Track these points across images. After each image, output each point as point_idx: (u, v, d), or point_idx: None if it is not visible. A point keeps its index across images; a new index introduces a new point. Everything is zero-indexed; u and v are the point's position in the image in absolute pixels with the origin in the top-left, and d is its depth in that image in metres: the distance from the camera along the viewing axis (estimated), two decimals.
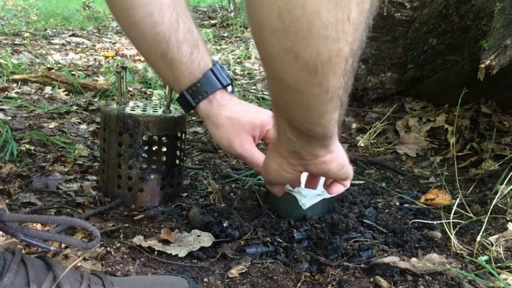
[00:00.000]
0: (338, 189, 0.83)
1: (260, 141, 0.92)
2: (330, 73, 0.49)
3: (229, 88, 0.88)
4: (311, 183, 0.90)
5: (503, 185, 1.04)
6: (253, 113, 0.87)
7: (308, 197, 0.94)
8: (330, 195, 0.95)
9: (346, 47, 0.47)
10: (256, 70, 3.09)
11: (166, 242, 0.86)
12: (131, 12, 0.80)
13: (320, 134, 0.63)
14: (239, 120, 0.84)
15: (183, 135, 1.05)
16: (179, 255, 0.82)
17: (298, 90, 0.53)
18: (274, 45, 0.48)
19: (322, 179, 1.02)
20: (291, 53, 0.47)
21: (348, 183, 0.83)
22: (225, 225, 0.90)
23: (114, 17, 0.86)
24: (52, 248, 0.55)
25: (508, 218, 0.98)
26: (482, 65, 1.08)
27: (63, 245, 0.80)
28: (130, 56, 3.23)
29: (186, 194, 1.10)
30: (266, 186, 0.91)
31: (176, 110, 1.04)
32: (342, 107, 0.58)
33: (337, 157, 0.72)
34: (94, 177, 1.15)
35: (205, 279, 0.76)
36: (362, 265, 0.82)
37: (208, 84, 0.84)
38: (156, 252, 0.83)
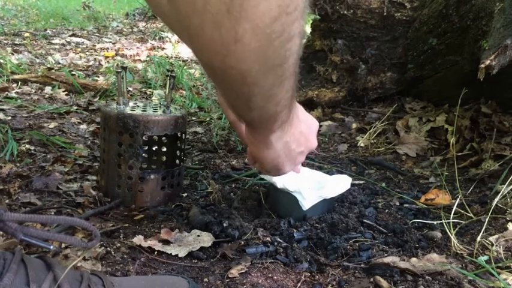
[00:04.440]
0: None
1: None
2: (227, 78, 0.50)
3: None
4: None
5: (504, 185, 1.04)
6: None
7: (308, 198, 0.94)
8: (330, 196, 0.96)
9: (242, 64, 0.47)
10: None
11: (166, 242, 0.86)
12: None
13: (235, 113, 0.65)
14: None
15: (183, 135, 1.05)
16: (179, 255, 0.82)
17: (207, 74, 0.55)
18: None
19: (324, 178, 1.03)
20: (185, 37, 0.49)
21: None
22: (225, 225, 0.90)
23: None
24: (52, 247, 0.55)
25: (508, 218, 0.98)
26: (482, 65, 1.08)
27: (63, 245, 0.80)
28: (130, 56, 3.23)
29: (186, 194, 1.10)
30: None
31: (176, 110, 1.04)
32: (254, 111, 0.57)
33: (258, 153, 0.72)
34: (94, 177, 1.15)
35: (205, 279, 0.76)
36: (362, 265, 0.82)
37: None
38: (156, 252, 0.83)
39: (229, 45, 0.44)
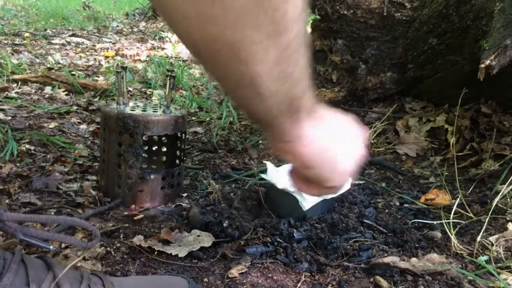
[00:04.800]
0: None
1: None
2: (213, 57, 0.41)
3: None
4: None
5: (504, 186, 1.04)
6: None
7: (308, 198, 0.94)
8: (330, 196, 0.96)
9: (227, 32, 0.38)
10: None
11: (166, 242, 0.86)
12: None
13: (251, 116, 0.52)
14: None
15: (183, 135, 1.05)
16: (179, 255, 0.82)
17: (206, 68, 0.45)
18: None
19: None
20: (172, 25, 0.40)
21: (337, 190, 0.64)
22: (225, 225, 0.90)
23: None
24: (52, 247, 0.55)
25: (508, 218, 0.98)
26: (482, 65, 1.08)
27: (63, 245, 0.80)
28: (130, 56, 3.23)
29: (186, 194, 1.10)
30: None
31: (176, 110, 1.04)
32: (267, 98, 0.46)
33: (292, 150, 0.54)
34: (94, 177, 1.15)
35: (205, 279, 0.76)
36: (362, 265, 0.82)
37: None
38: (156, 252, 0.83)
39: (205, 7, 0.35)
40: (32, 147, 1.31)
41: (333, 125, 0.55)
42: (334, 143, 0.55)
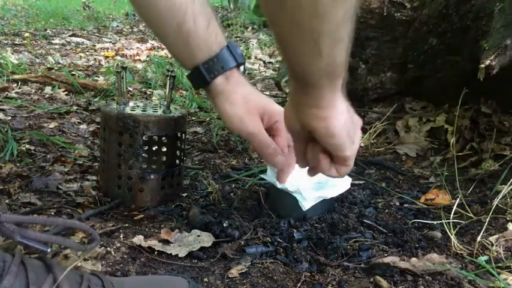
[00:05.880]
0: (326, 168, 0.72)
1: None
2: (296, 8, 0.48)
3: (241, 68, 0.85)
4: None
5: (505, 186, 1.04)
6: (265, 99, 0.85)
7: (308, 198, 0.94)
8: (330, 196, 0.96)
9: None
10: (256, 70, 3.10)
11: (166, 242, 0.86)
12: None
13: (300, 74, 0.60)
14: (254, 100, 0.81)
15: (183, 135, 1.05)
16: (179, 255, 0.82)
17: (272, 22, 0.53)
18: None
19: (324, 178, 1.02)
20: None
21: (343, 170, 0.71)
22: (225, 225, 0.91)
23: None
24: (49, 250, 0.55)
25: (508, 218, 0.98)
26: (482, 65, 1.08)
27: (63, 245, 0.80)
28: (130, 56, 3.24)
29: (186, 194, 1.10)
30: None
31: (176, 110, 1.04)
32: (322, 58, 0.54)
33: (325, 117, 0.63)
34: (94, 177, 1.15)
35: (205, 279, 0.76)
36: (362, 265, 0.82)
37: (225, 60, 0.80)
38: (156, 252, 0.83)
39: None
40: (32, 147, 1.31)
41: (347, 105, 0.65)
42: (350, 118, 0.65)
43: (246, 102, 0.80)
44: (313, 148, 0.72)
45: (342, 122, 0.64)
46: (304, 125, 0.67)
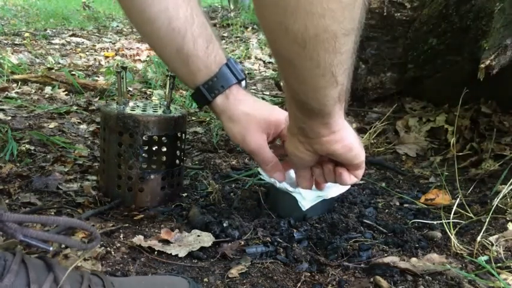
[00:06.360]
0: (348, 179, 0.79)
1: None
2: (319, 48, 0.51)
3: (243, 83, 0.88)
4: (318, 186, 0.91)
5: (505, 186, 1.04)
6: (268, 111, 0.87)
7: (308, 198, 0.94)
8: (330, 196, 0.96)
9: (335, 25, 0.49)
10: (256, 70, 3.10)
11: (166, 242, 0.86)
12: (144, 8, 0.79)
13: (316, 109, 0.64)
14: (255, 116, 0.84)
15: (183, 135, 1.05)
16: (179, 255, 0.82)
17: (292, 62, 0.56)
18: (267, 17, 0.52)
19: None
20: (282, 25, 0.50)
21: (360, 173, 0.79)
22: (225, 225, 0.91)
23: (125, 12, 0.84)
24: (51, 248, 0.55)
25: (508, 218, 0.98)
26: (482, 65, 1.08)
27: (63, 245, 0.80)
28: (130, 56, 3.23)
29: (186, 194, 1.10)
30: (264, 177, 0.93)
31: (176, 110, 1.04)
32: (338, 86, 0.59)
33: (341, 138, 0.70)
34: (94, 177, 1.15)
35: (205, 279, 0.76)
36: (362, 265, 0.82)
37: (224, 79, 0.84)
38: (156, 252, 0.83)
39: (328, 3, 0.46)
40: (32, 147, 1.31)
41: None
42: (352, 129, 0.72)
43: (248, 119, 0.84)
44: (327, 166, 0.81)
45: (354, 135, 0.71)
46: (321, 153, 0.74)
